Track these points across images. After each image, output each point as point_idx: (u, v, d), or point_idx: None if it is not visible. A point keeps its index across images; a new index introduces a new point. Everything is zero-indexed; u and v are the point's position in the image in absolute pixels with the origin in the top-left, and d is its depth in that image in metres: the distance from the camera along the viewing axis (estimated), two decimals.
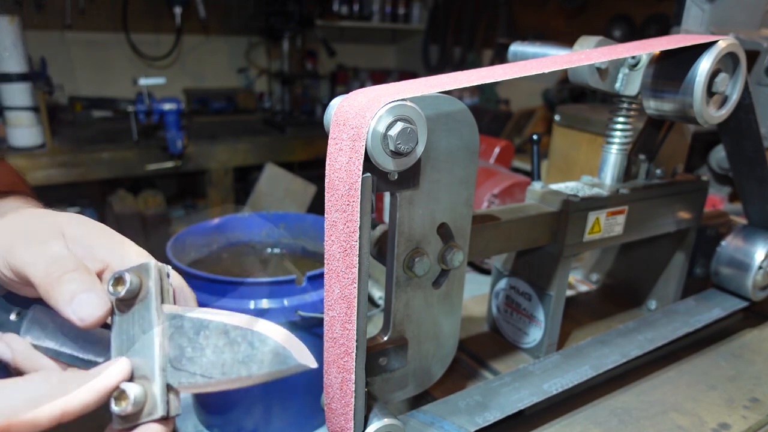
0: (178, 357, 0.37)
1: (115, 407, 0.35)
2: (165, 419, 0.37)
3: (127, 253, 0.41)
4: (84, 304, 0.36)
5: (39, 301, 0.40)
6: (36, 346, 0.40)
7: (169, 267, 0.40)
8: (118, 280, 0.37)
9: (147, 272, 0.38)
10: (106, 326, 0.39)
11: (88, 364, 0.40)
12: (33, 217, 0.42)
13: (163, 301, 0.38)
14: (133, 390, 0.35)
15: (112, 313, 0.38)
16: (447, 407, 0.56)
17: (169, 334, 0.37)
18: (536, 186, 0.69)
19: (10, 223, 0.41)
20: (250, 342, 0.35)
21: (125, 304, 0.38)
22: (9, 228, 0.40)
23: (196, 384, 0.36)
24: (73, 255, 0.39)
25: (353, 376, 0.45)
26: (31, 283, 0.37)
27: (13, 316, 0.42)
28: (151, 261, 0.38)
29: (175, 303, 0.41)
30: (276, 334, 0.35)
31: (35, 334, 0.41)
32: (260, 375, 0.35)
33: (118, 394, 0.35)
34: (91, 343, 0.40)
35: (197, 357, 0.36)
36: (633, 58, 0.63)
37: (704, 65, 0.58)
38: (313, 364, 0.34)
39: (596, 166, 0.73)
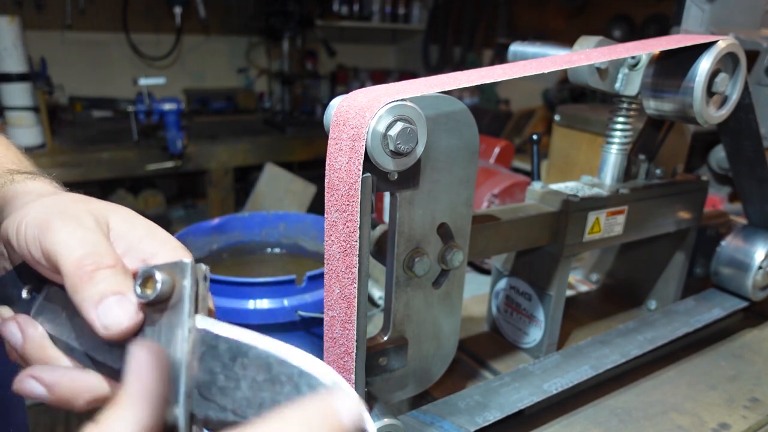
0: (207, 384, 0.30)
1: None
2: None
3: (173, 256, 0.35)
4: (112, 310, 0.31)
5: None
6: (52, 337, 0.36)
7: (208, 269, 0.34)
8: (147, 279, 0.31)
9: (182, 272, 0.32)
10: None
11: (101, 368, 0.35)
12: (77, 201, 0.37)
13: (197, 310, 0.32)
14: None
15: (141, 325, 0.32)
16: (447, 407, 0.56)
17: (199, 353, 0.30)
18: (536, 186, 0.69)
19: (50, 203, 0.36)
20: (296, 384, 0.28)
21: (153, 309, 0.32)
22: (48, 207, 0.36)
23: (225, 421, 0.30)
24: (114, 250, 0.34)
25: (353, 376, 0.45)
26: (60, 270, 0.32)
27: (24, 293, 0.37)
28: (189, 259, 0.32)
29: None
30: (329, 380, 0.28)
31: (46, 318, 0.36)
32: None
33: None
34: (108, 343, 0.34)
35: (230, 389, 0.30)
36: (633, 58, 0.63)
37: (704, 65, 0.58)
38: (372, 429, 0.27)
39: (596, 166, 0.73)
